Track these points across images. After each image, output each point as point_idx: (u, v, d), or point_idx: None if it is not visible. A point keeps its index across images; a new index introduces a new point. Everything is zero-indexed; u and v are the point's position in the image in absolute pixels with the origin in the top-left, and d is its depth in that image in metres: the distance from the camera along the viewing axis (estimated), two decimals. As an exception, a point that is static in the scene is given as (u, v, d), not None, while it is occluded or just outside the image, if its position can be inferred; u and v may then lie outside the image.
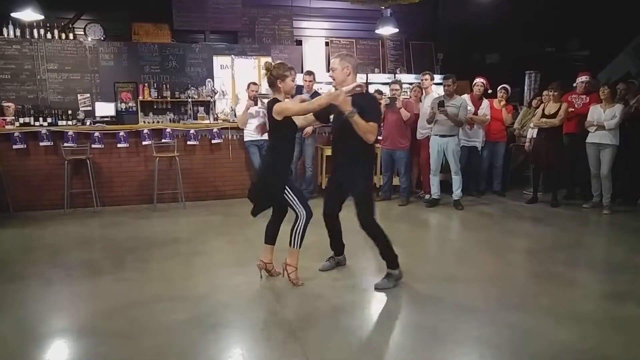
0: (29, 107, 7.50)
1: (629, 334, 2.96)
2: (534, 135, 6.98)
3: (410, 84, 8.49)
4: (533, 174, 6.89)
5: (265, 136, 6.69)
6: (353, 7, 9.17)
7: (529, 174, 7.34)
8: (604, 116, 5.99)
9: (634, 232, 5.34)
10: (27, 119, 7.33)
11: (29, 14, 6.75)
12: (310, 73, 6.67)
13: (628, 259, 4.45)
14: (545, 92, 6.97)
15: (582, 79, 6.65)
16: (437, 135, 6.31)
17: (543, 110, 6.46)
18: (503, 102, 7.20)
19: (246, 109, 6.51)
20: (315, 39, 9.44)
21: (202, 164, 6.89)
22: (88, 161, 6.19)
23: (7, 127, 6.37)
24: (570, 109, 6.41)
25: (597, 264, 4.47)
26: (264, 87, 8.36)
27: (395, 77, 8.28)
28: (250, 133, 6.60)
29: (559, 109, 6.28)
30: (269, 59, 8.82)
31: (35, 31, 7.80)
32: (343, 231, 3.98)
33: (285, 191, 3.54)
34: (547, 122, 6.32)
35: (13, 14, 6.90)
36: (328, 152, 6.93)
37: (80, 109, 7.89)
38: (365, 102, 3.46)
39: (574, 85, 6.78)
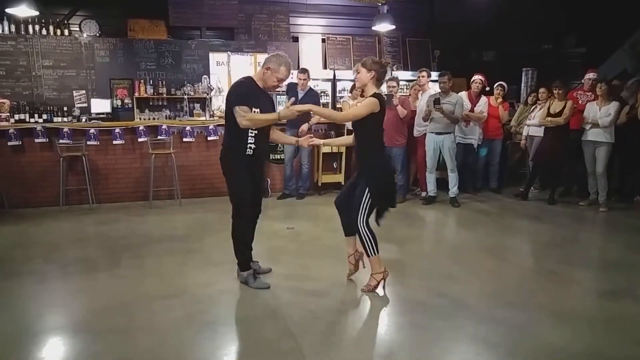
0: (24, 104, 7.44)
1: (624, 332, 2.97)
2: (530, 133, 7.01)
3: (408, 81, 8.49)
4: (531, 172, 6.91)
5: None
6: (349, 4, 9.15)
7: (525, 171, 7.36)
8: (599, 114, 6.00)
9: (630, 230, 5.36)
10: (22, 116, 7.27)
11: (23, 10, 6.72)
12: (304, 71, 6.65)
13: (624, 256, 4.47)
14: (541, 90, 6.99)
15: (590, 76, 6.67)
16: (433, 132, 6.32)
17: (548, 109, 6.44)
18: (500, 100, 7.21)
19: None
20: (311, 36, 9.41)
21: (198, 160, 6.86)
22: (83, 158, 6.16)
23: (2, 123, 6.32)
24: (575, 105, 6.42)
25: (593, 262, 4.49)
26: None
27: (392, 74, 8.26)
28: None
29: (564, 107, 6.27)
30: (265, 56, 8.77)
31: (30, 27, 7.73)
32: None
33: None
34: (553, 121, 6.30)
35: (8, 10, 6.86)
36: (324, 149, 6.93)
37: (76, 105, 7.84)
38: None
39: (582, 82, 6.80)
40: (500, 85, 7.22)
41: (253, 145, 3.47)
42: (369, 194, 3.40)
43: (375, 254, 3.48)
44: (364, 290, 3.54)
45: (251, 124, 3.36)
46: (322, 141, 3.83)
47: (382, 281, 3.53)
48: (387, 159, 3.81)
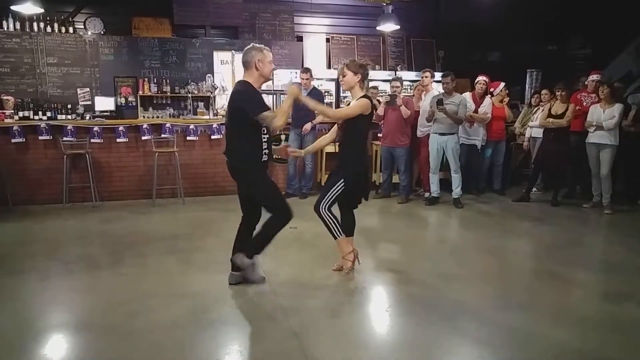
0: (29, 101, 7.48)
1: (628, 335, 2.96)
2: (532, 134, 6.99)
3: (412, 81, 8.47)
4: (532, 174, 6.89)
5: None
6: (354, 4, 9.14)
7: (528, 172, 7.33)
8: (603, 116, 5.97)
9: (633, 233, 5.34)
10: (26, 113, 7.30)
11: (29, 7, 6.75)
12: (306, 70, 6.64)
13: (627, 259, 4.44)
14: (544, 91, 6.97)
15: (593, 77, 6.64)
16: (436, 133, 6.30)
17: (549, 110, 6.42)
18: (507, 100, 7.19)
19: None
20: (316, 35, 9.41)
21: (202, 159, 6.87)
22: (87, 156, 6.17)
23: (6, 120, 6.35)
24: (578, 107, 6.39)
25: (596, 264, 4.46)
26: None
27: (395, 75, 8.25)
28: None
29: (567, 109, 6.24)
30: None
31: (35, 24, 7.76)
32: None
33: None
34: (555, 123, 6.28)
35: (13, 7, 6.89)
36: (328, 149, 6.91)
37: (80, 103, 7.86)
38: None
39: (585, 83, 6.78)
40: (504, 86, 7.22)
41: (267, 150, 3.40)
42: (343, 185, 3.57)
43: (340, 236, 3.64)
44: (335, 269, 3.77)
45: (285, 119, 3.27)
46: (302, 152, 4.05)
47: (355, 259, 3.73)
48: (366, 157, 4.04)
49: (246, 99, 3.30)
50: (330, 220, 3.61)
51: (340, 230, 3.64)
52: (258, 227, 3.55)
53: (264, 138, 3.37)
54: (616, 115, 5.89)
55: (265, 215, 3.52)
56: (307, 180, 6.89)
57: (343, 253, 3.73)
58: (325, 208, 3.58)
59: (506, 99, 7.21)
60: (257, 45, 3.44)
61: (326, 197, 3.59)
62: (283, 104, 3.35)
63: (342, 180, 3.57)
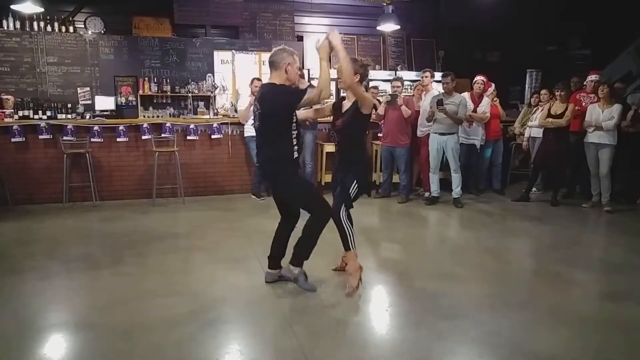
0: (29, 100, 7.48)
1: (628, 335, 2.96)
2: (532, 134, 6.99)
3: (412, 81, 8.48)
4: (531, 174, 6.90)
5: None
6: (355, 3, 9.15)
7: (528, 172, 7.34)
8: (602, 116, 5.98)
9: (633, 232, 5.34)
10: (26, 112, 7.30)
11: (29, 7, 6.75)
12: (299, 69, 6.64)
13: (627, 259, 4.45)
14: (543, 91, 6.97)
15: (592, 77, 6.64)
16: (436, 133, 6.30)
17: (549, 110, 6.43)
18: (497, 100, 7.21)
19: (250, 105, 6.49)
20: (316, 35, 9.39)
21: (202, 159, 6.88)
22: (87, 155, 6.17)
23: (6, 120, 6.35)
24: (577, 107, 6.39)
25: (596, 264, 4.47)
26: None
27: (396, 74, 8.25)
28: (251, 129, 6.58)
29: (566, 109, 6.25)
30: (269, 55, 8.80)
31: (35, 24, 7.76)
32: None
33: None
34: (554, 122, 6.29)
35: (13, 6, 6.88)
36: (328, 148, 6.92)
37: (80, 102, 7.87)
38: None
39: (584, 83, 6.78)
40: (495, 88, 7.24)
41: (297, 146, 3.37)
42: (357, 185, 3.52)
43: (354, 248, 3.51)
44: (349, 294, 3.44)
45: (328, 85, 3.27)
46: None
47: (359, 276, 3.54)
48: (368, 154, 3.95)
49: (278, 93, 3.28)
50: (349, 230, 3.49)
51: (355, 242, 3.52)
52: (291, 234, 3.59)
53: (294, 134, 3.34)
54: (615, 116, 5.89)
55: (304, 215, 3.52)
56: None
57: (350, 269, 3.48)
58: (344, 214, 3.49)
59: (496, 100, 7.22)
60: (288, 48, 3.41)
61: (345, 203, 3.50)
62: (321, 73, 3.28)
63: (355, 181, 3.52)
